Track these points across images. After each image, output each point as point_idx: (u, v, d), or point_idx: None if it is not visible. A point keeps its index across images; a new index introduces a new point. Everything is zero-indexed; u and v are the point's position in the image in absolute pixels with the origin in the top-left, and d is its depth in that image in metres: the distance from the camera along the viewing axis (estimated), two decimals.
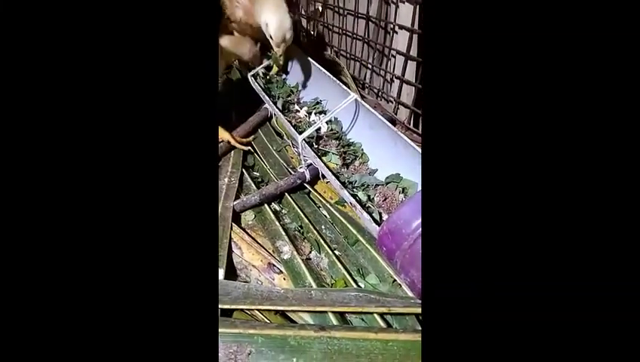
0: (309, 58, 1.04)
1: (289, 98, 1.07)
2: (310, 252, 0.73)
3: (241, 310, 0.59)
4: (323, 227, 0.77)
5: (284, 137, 1.03)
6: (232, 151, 0.94)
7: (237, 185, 0.84)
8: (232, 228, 0.73)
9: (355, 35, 1.22)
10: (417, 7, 0.91)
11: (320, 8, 1.37)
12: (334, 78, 0.94)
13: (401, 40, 1.01)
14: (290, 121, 0.94)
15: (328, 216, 0.80)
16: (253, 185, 0.86)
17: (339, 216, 0.78)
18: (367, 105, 0.84)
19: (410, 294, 0.62)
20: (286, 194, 0.84)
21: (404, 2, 0.96)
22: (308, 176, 0.85)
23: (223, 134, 0.93)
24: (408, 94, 1.05)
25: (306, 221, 0.77)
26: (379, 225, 0.63)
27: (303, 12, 1.47)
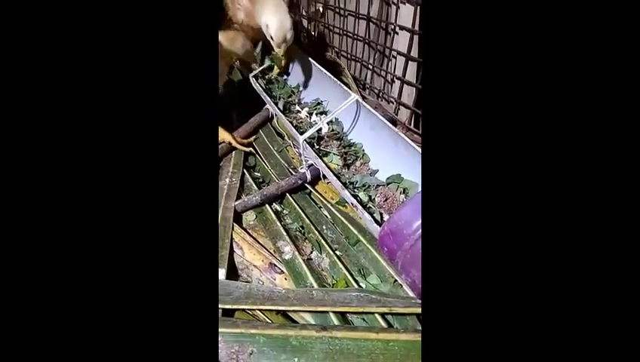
0: (310, 59, 1.04)
1: (290, 99, 1.07)
2: (311, 252, 0.73)
3: (243, 310, 0.60)
4: (324, 227, 0.78)
5: (285, 138, 1.04)
6: (233, 152, 0.95)
7: (238, 185, 0.84)
8: (233, 229, 0.73)
9: (355, 36, 1.22)
10: (418, 8, 0.91)
11: (321, 9, 1.37)
12: (335, 79, 0.95)
13: (401, 41, 1.01)
14: (291, 122, 0.94)
15: (329, 217, 0.81)
16: (254, 185, 0.87)
17: (340, 216, 0.78)
18: (368, 106, 0.84)
19: (411, 294, 0.62)
20: (287, 194, 0.84)
21: (404, 3, 0.96)
22: (309, 177, 0.86)
23: (224, 135, 0.93)
24: (409, 95, 1.05)
25: (307, 221, 0.77)
26: (380, 226, 0.63)
27: (303, 13, 1.47)
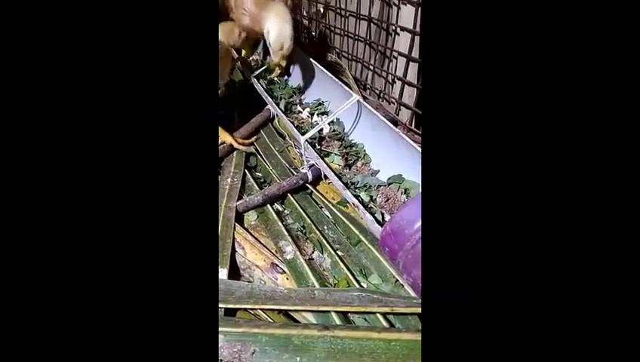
0: (311, 59, 1.04)
1: (291, 99, 1.07)
2: (313, 252, 0.73)
3: (245, 309, 0.60)
4: (325, 227, 0.78)
5: (287, 138, 1.04)
6: (235, 152, 0.95)
7: (240, 185, 0.84)
8: (235, 229, 0.73)
9: (356, 37, 1.23)
10: (419, 8, 0.91)
11: (322, 10, 1.37)
12: (336, 80, 0.95)
13: (402, 41, 1.01)
14: (292, 122, 0.94)
15: (331, 217, 0.81)
16: (255, 185, 0.87)
17: (341, 216, 0.78)
18: (369, 107, 0.84)
19: (412, 294, 0.62)
20: (288, 194, 0.85)
21: (405, 4, 0.96)
22: (310, 177, 0.86)
23: (225, 136, 0.94)
24: (410, 95, 1.05)
25: (309, 221, 0.78)
26: (381, 226, 0.63)
27: (304, 13, 1.47)
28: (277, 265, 0.69)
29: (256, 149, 0.99)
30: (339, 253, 0.72)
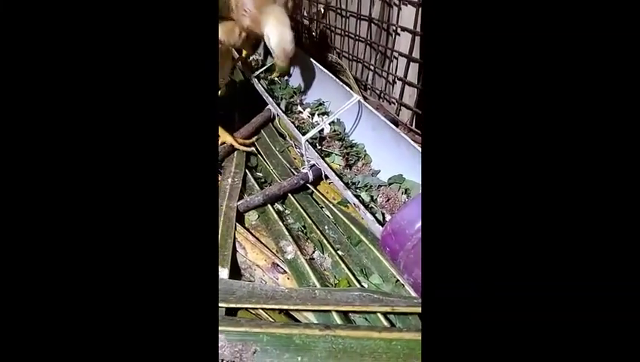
0: (312, 59, 1.04)
1: (292, 99, 1.08)
2: (313, 252, 0.73)
3: (246, 309, 0.60)
4: (326, 227, 0.78)
5: (287, 138, 1.04)
6: (236, 152, 0.95)
7: (240, 185, 0.84)
8: (235, 228, 0.73)
9: (357, 37, 1.23)
10: (419, 9, 0.91)
11: (322, 10, 1.37)
12: (337, 80, 0.95)
13: (403, 42, 1.01)
14: (293, 122, 0.95)
15: (331, 217, 0.81)
16: (256, 185, 0.87)
17: (342, 216, 0.78)
18: (370, 107, 0.84)
19: (413, 294, 0.62)
20: (289, 194, 0.85)
21: (406, 4, 0.96)
22: (311, 177, 0.86)
23: (226, 137, 0.94)
24: (410, 96, 1.06)
25: (309, 221, 0.78)
26: (382, 226, 0.63)
27: (305, 14, 1.47)
28: (278, 265, 0.69)
29: (256, 149, 0.99)
30: (339, 252, 0.72)
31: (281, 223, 0.76)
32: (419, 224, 0.56)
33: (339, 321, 0.57)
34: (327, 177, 0.86)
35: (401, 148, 0.77)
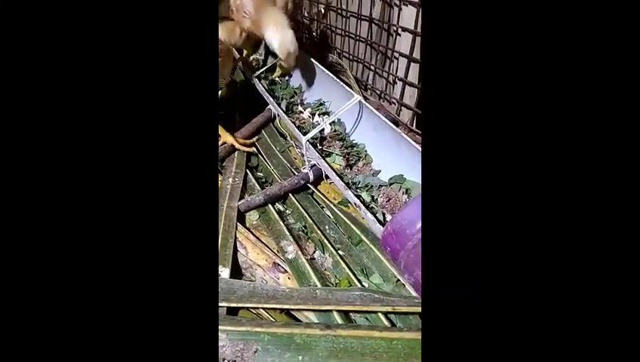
0: (312, 60, 1.05)
1: (292, 99, 1.08)
2: (314, 252, 0.73)
3: (247, 308, 0.60)
4: (327, 227, 0.78)
5: (288, 138, 1.04)
6: (236, 152, 0.96)
7: (241, 185, 0.85)
8: (236, 228, 0.74)
9: (358, 37, 1.23)
10: (420, 9, 0.91)
11: (323, 10, 1.38)
12: (337, 80, 0.95)
13: (404, 42, 1.01)
14: (293, 122, 0.95)
15: (332, 217, 0.81)
16: (257, 185, 0.87)
17: (342, 216, 0.78)
18: (371, 107, 0.84)
19: (413, 294, 0.62)
20: (290, 194, 0.85)
21: (406, 5, 0.96)
22: (311, 177, 0.86)
23: (227, 137, 0.94)
24: (411, 96, 1.06)
25: (310, 221, 0.78)
26: (383, 226, 0.63)
27: (305, 14, 1.47)
28: (279, 265, 0.69)
29: (257, 149, 0.99)
30: (340, 252, 0.72)
31: (281, 223, 0.76)
32: (419, 224, 0.56)
33: (340, 321, 0.57)
34: (327, 177, 0.86)
35: (401, 149, 0.77)
